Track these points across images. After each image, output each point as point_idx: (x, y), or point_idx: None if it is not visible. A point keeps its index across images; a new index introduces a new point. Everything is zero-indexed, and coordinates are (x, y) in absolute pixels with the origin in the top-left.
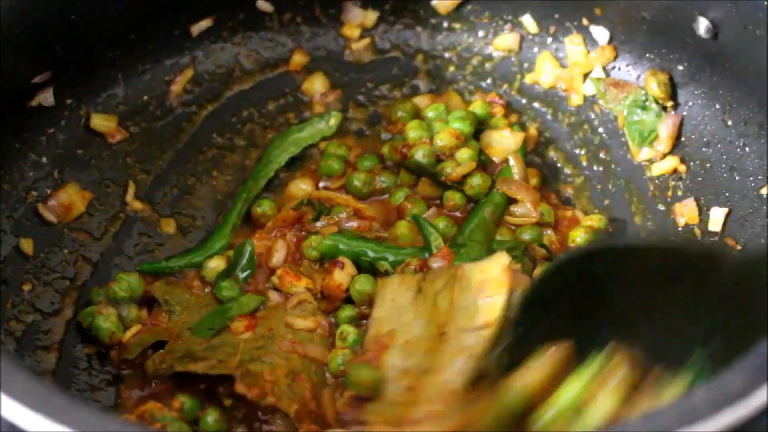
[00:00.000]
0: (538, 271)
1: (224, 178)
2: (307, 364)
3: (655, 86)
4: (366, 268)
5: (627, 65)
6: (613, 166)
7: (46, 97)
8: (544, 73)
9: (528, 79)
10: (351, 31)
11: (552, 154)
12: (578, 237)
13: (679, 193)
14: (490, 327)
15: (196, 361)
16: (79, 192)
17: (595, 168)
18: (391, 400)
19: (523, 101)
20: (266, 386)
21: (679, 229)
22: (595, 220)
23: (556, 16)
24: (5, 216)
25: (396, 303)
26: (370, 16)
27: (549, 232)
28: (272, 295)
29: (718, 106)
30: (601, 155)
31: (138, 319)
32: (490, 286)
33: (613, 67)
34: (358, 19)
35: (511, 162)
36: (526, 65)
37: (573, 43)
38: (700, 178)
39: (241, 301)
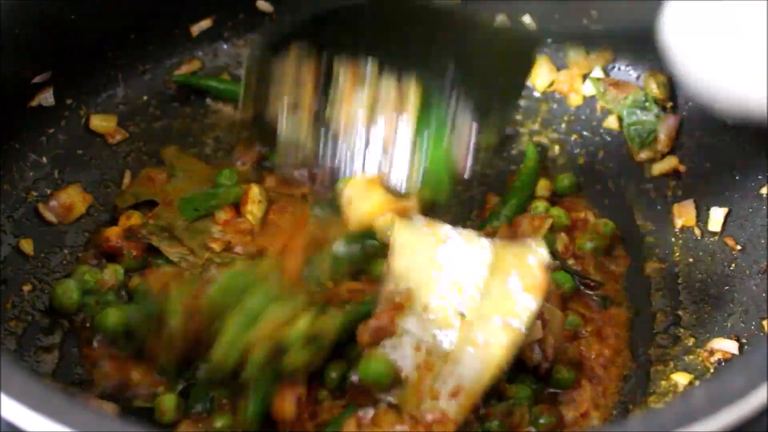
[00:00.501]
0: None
1: None
2: None
3: (654, 87)
4: None
5: (627, 65)
6: (612, 165)
7: (46, 97)
8: (539, 80)
9: (528, 81)
10: None
11: (551, 153)
12: (585, 245)
13: (679, 193)
14: (513, 333)
15: (173, 241)
16: (81, 194)
17: (594, 168)
18: (402, 379)
19: (522, 102)
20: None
21: (676, 229)
22: (601, 225)
23: (556, 16)
24: (5, 216)
25: (416, 256)
26: None
27: (563, 235)
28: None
29: None
30: (600, 155)
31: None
32: (525, 281)
33: (613, 68)
34: None
35: None
36: None
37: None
38: (699, 178)
39: (231, 192)
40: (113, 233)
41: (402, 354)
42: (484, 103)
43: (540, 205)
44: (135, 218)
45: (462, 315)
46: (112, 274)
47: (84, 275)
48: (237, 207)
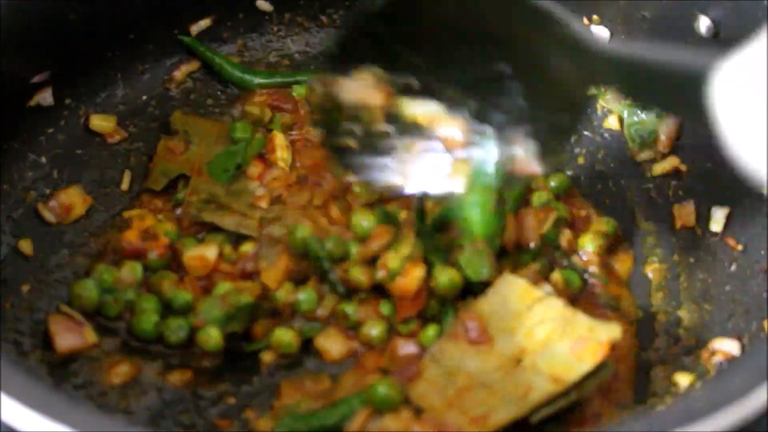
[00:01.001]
0: (556, 275)
1: None
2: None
3: None
4: None
5: None
6: (613, 165)
7: (45, 97)
8: None
9: None
10: None
11: None
12: (588, 244)
13: (680, 193)
14: (559, 384)
15: (222, 210)
16: (81, 195)
17: (595, 168)
18: (438, 389)
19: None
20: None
21: (677, 229)
22: (603, 224)
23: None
24: (5, 216)
25: (505, 306)
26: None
27: (566, 230)
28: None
29: None
30: (600, 155)
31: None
32: (587, 348)
33: None
34: None
35: None
36: None
37: None
38: (700, 178)
39: (254, 144)
40: (133, 236)
41: (447, 374)
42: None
43: (543, 195)
44: (149, 219)
45: (519, 361)
46: (130, 271)
47: (102, 274)
48: (262, 157)
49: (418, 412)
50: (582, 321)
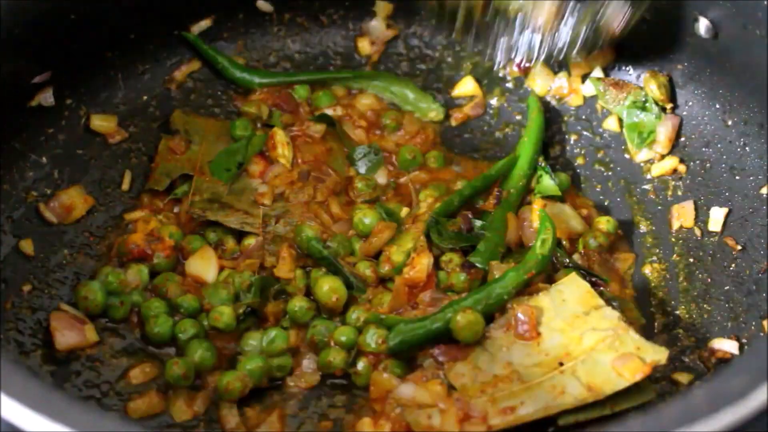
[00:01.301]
0: (561, 275)
1: None
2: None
3: (654, 87)
4: None
5: (627, 65)
6: (612, 165)
7: (46, 97)
8: (538, 82)
9: (526, 84)
10: (363, 44)
11: (552, 153)
12: (591, 241)
13: (680, 193)
14: (592, 394)
15: (226, 209)
16: (82, 195)
17: (594, 168)
18: (477, 372)
19: (523, 105)
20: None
21: (676, 229)
22: (603, 224)
23: None
24: (5, 216)
25: (564, 305)
26: (388, 32)
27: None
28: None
29: (718, 106)
30: (600, 155)
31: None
32: (629, 365)
33: (613, 68)
34: (378, 31)
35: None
36: None
37: None
38: (700, 178)
39: (254, 141)
40: (138, 239)
41: (491, 360)
42: None
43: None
44: (153, 222)
45: (561, 364)
46: (135, 274)
47: (107, 276)
48: (263, 155)
49: (450, 389)
50: (632, 338)
